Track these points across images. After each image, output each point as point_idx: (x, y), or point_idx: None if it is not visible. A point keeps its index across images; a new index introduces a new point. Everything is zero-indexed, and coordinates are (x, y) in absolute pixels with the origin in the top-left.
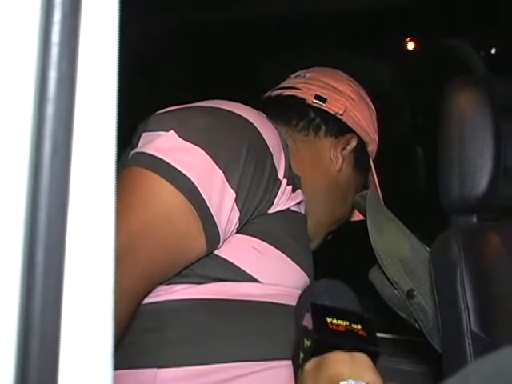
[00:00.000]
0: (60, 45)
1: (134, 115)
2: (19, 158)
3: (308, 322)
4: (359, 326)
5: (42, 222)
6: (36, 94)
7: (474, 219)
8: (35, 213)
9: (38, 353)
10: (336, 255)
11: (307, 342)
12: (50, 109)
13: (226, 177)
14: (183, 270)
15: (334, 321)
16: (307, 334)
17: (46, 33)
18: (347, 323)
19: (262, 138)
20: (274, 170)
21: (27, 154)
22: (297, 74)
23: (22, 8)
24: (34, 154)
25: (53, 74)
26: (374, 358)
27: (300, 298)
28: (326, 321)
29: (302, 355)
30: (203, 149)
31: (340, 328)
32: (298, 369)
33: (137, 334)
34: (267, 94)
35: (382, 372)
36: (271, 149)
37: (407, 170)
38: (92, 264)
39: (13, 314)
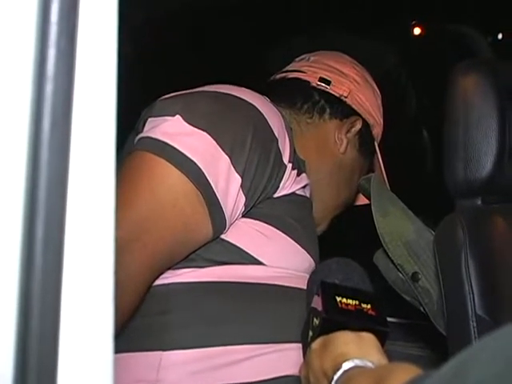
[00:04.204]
0: (59, 23)
1: (133, 97)
2: (19, 136)
3: (317, 300)
4: (369, 306)
5: (41, 199)
6: (35, 72)
7: (479, 202)
8: (34, 190)
9: (37, 335)
10: (341, 239)
11: (316, 321)
12: (49, 87)
13: (231, 162)
14: (189, 255)
15: (344, 300)
16: (316, 312)
17: (45, 11)
18: (357, 302)
19: (267, 122)
20: (279, 155)
21: (26, 132)
22: (301, 57)
23: None
24: (34, 132)
25: (52, 53)
26: (382, 338)
27: (311, 276)
28: (336, 299)
29: (310, 333)
30: (209, 133)
31: (349, 307)
32: (306, 347)
33: (142, 317)
34: (271, 77)
35: (387, 356)
36: (276, 134)
37: (413, 153)
38: (92, 240)
39: (12, 296)
